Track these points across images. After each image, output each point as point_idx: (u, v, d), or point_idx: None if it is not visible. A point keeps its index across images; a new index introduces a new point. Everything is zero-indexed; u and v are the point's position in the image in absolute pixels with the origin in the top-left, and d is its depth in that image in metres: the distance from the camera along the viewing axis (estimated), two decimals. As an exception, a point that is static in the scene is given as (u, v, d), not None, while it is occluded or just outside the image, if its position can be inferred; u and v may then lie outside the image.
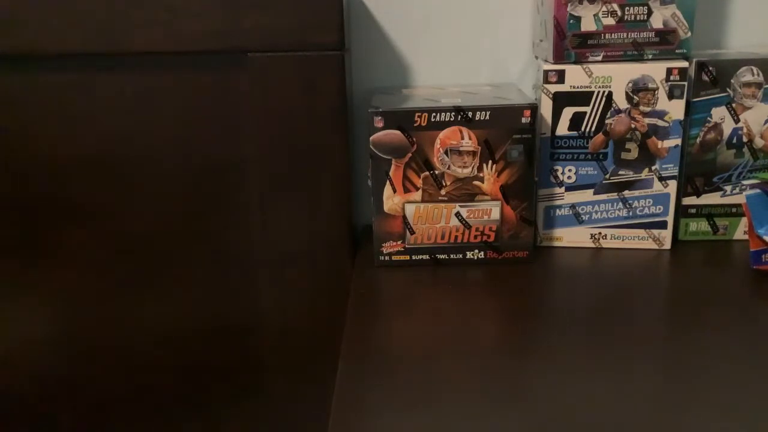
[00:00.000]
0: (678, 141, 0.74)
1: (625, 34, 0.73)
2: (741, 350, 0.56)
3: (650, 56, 0.73)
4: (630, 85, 0.72)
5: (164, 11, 0.68)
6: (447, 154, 0.71)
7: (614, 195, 0.76)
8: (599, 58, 0.73)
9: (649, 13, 0.72)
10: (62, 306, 0.78)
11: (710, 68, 0.74)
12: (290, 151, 0.73)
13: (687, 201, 0.78)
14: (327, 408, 0.81)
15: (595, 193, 0.76)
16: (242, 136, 0.74)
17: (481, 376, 0.53)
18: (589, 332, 0.59)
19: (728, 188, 0.78)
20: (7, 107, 0.72)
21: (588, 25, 0.72)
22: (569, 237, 0.78)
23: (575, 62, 0.73)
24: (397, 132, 0.70)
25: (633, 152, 0.74)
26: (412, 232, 0.74)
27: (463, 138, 0.71)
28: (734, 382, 0.52)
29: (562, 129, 0.75)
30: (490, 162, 0.71)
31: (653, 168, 0.75)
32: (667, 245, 0.77)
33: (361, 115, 0.86)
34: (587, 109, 0.74)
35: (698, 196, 0.78)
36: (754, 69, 0.74)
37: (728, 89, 0.75)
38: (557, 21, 0.72)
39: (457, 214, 0.73)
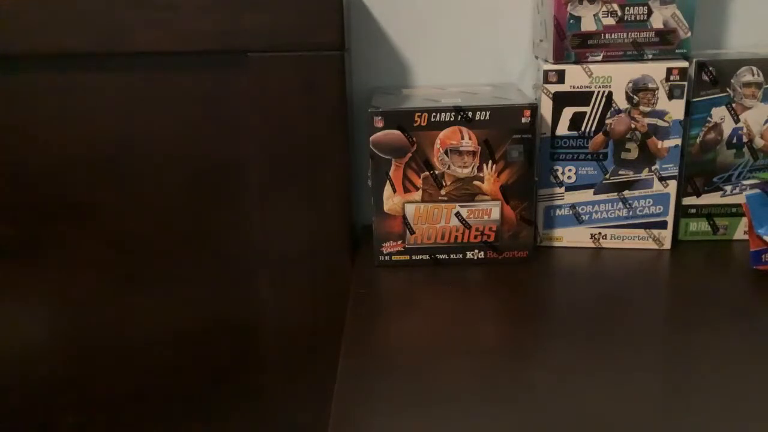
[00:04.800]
0: (678, 141, 0.74)
1: (625, 34, 0.73)
2: (741, 350, 0.56)
3: (650, 56, 0.73)
4: (630, 85, 0.72)
5: (164, 11, 0.68)
6: (447, 154, 0.71)
7: (614, 195, 0.76)
8: (599, 58, 0.73)
9: (649, 13, 0.72)
10: (62, 306, 0.78)
11: (710, 68, 0.74)
12: (290, 151, 0.73)
13: (687, 201, 0.78)
14: (327, 408, 0.81)
15: (595, 193, 0.76)
16: (242, 136, 0.74)
17: (481, 376, 0.53)
18: (589, 332, 0.59)
19: (728, 188, 0.78)
20: (7, 107, 0.72)
21: (588, 25, 0.72)
22: (569, 237, 0.78)
23: (575, 62, 0.73)
24: (397, 132, 0.70)
25: (633, 152, 0.74)
26: (412, 232, 0.74)
27: (463, 138, 0.71)
28: (734, 382, 0.52)
29: (562, 129, 0.75)
30: (490, 162, 0.71)
31: (653, 168, 0.75)
32: (667, 245, 0.77)
33: (361, 115, 0.86)
34: (587, 109, 0.74)
35: (698, 196, 0.78)
36: (754, 69, 0.74)
37: (728, 89, 0.75)
38: (557, 21, 0.72)
39: (457, 214, 0.73)
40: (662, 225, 0.76)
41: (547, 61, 0.74)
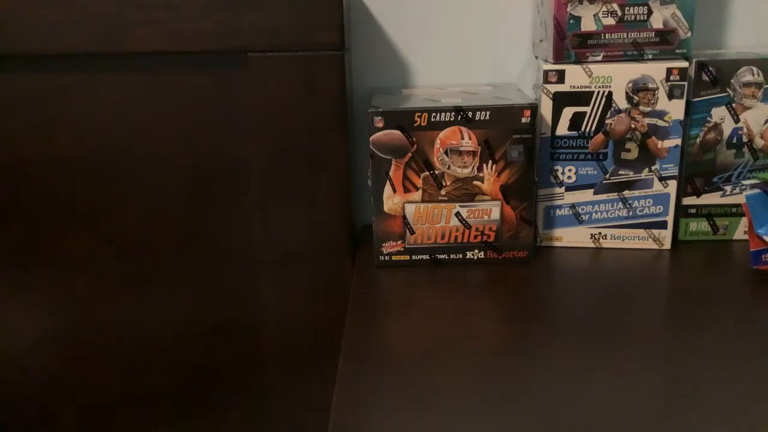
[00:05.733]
0: (678, 141, 0.74)
1: (625, 34, 0.73)
2: (741, 350, 0.56)
3: (650, 56, 0.73)
4: (630, 85, 0.72)
5: (164, 11, 0.69)
6: (447, 154, 0.71)
7: (614, 195, 0.76)
8: (599, 58, 0.73)
9: (649, 13, 0.72)
10: (62, 306, 0.78)
11: (710, 68, 0.74)
12: (290, 151, 0.73)
13: (687, 201, 0.78)
14: (327, 407, 0.81)
15: (595, 193, 0.76)
16: (242, 136, 0.74)
17: (480, 376, 0.53)
18: (589, 332, 0.59)
19: (728, 188, 0.78)
20: (7, 107, 0.72)
21: (588, 25, 0.72)
22: (569, 237, 0.78)
23: (575, 62, 0.73)
24: (397, 132, 0.70)
25: (633, 152, 0.74)
26: (412, 232, 0.74)
27: (463, 138, 0.71)
28: (734, 381, 0.52)
29: (562, 129, 0.75)
30: (490, 162, 0.71)
31: (653, 168, 0.75)
32: (667, 245, 0.77)
33: (361, 115, 0.86)
34: (587, 109, 0.74)
35: (698, 196, 0.78)
36: (754, 69, 0.74)
37: (728, 89, 0.75)
38: (557, 21, 0.72)
39: (457, 214, 0.73)
40: (662, 225, 0.76)
41: (547, 61, 0.74)
